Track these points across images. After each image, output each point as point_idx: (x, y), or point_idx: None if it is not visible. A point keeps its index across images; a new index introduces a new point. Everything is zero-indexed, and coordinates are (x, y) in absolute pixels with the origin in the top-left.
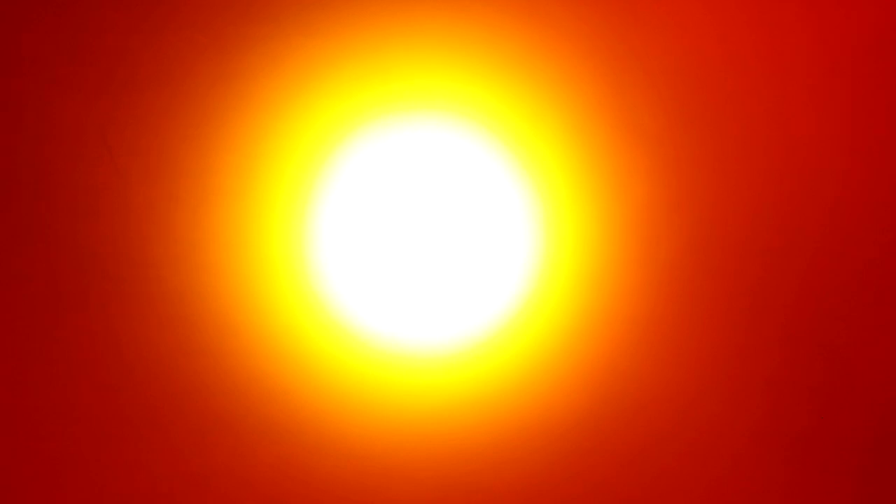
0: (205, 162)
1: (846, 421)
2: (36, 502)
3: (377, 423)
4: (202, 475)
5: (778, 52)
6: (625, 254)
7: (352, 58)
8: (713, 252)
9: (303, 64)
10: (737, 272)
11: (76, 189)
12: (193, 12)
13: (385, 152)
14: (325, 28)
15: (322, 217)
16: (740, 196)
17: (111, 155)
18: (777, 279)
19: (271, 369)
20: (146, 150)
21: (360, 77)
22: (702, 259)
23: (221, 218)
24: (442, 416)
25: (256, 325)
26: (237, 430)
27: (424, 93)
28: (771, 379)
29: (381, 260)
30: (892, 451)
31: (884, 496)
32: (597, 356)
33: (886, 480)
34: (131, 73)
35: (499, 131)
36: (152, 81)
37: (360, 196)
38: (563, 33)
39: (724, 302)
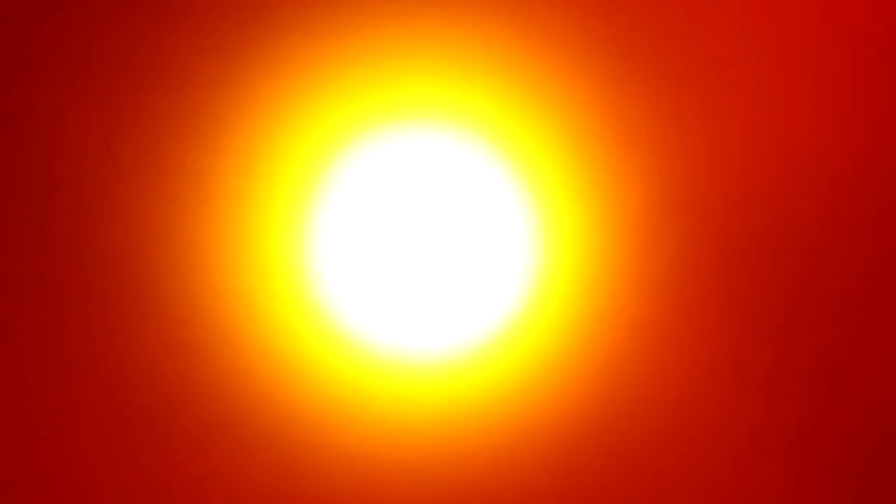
0: (205, 168)
1: (845, 421)
2: (35, 501)
3: (376, 429)
4: (199, 477)
5: (775, 57)
6: (622, 260)
7: (352, 66)
8: (710, 256)
9: (303, 72)
10: (734, 277)
11: (77, 190)
12: (198, 17)
13: (384, 160)
14: (327, 37)
15: (321, 224)
16: (737, 201)
17: (113, 157)
18: (774, 282)
19: (271, 376)
20: (148, 152)
21: (361, 85)
22: (699, 263)
23: (221, 225)
24: (440, 423)
25: (256, 331)
26: (235, 434)
27: (424, 101)
28: (769, 381)
29: (381, 267)
30: (891, 450)
31: (883, 496)
32: (595, 362)
33: (885, 480)
34: (134, 77)
35: (498, 140)
36: (155, 85)
37: (360, 203)
38: (561, 44)
39: (722, 306)
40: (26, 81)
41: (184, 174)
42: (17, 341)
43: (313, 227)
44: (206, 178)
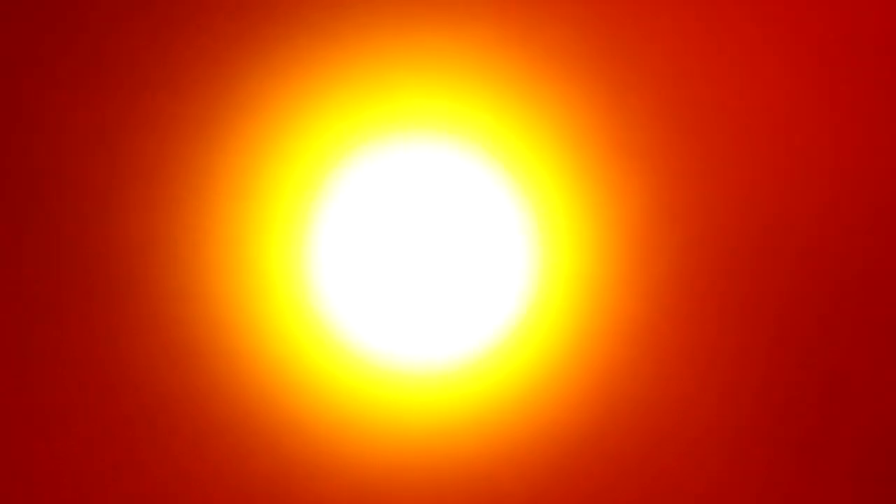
0: (207, 172)
1: (845, 422)
2: (35, 501)
3: (374, 437)
4: (197, 479)
5: (773, 62)
6: (620, 269)
7: (356, 75)
8: (709, 264)
9: (307, 81)
10: (732, 284)
11: (81, 192)
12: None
13: (385, 169)
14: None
15: (321, 232)
16: (735, 208)
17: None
18: (774, 284)
19: (270, 383)
20: (150, 156)
21: (364, 94)
22: (697, 272)
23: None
24: (438, 431)
25: (256, 340)
26: (233, 437)
27: (426, 111)
28: (769, 385)
29: (380, 276)
30: (890, 450)
31: (882, 496)
32: (593, 371)
33: (886, 480)
34: (138, 81)
35: (498, 150)
36: (158, 89)
37: (360, 212)
38: (559, 54)
39: (720, 314)
40: (31, 82)
41: (186, 179)
42: (18, 341)
43: (313, 235)
44: (208, 182)
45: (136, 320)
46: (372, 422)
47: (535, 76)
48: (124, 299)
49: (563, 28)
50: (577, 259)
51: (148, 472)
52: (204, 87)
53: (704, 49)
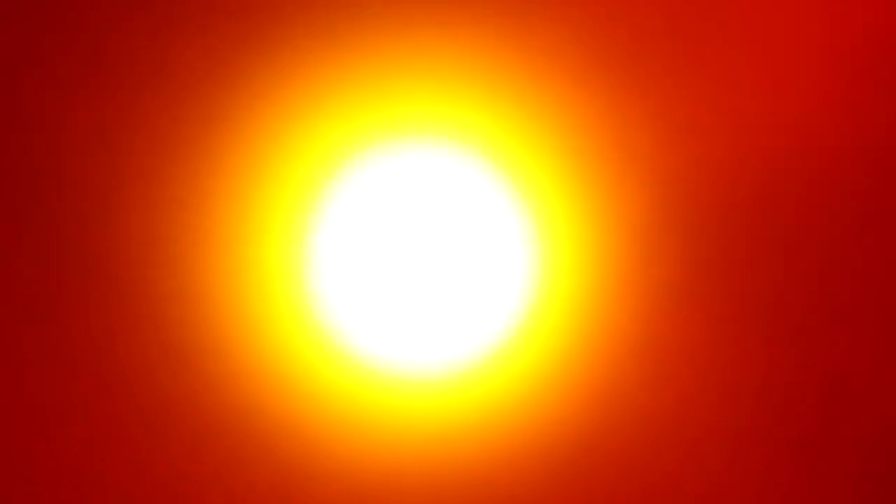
0: (207, 174)
1: (845, 422)
2: (35, 501)
3: (373, 442)
4: (195, 481)
5: (771, 62)
6: (620, 274)
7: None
8: (709, 267)
9: (307, 85)
10: (733, 283)
11: (80, 192)
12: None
13: (385, 174)
14: (329, 52)
15: (321, 236)
16: (734, 210)
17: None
18: (774, 287)
19: (269, 388)
20: (150, 156)
21: (365, 98)
22: (698, 276)
23: (222, 234)
24: (437, 436)
25: (255, 345)
26: (231, 440)
27: (426, 116)
28: (769, 387)
29: (380, 281)
30: (890, 450)
31: (882, 496)
32: (593, 376)
33: (886, 480)
34: (138, 82)
35: (498, 156)
36: (158, 89)
37: (360, 217)
38: (559, 58)
39: (721, 312)
40: (31, 82)
41: (186, 179)
42: (18, 341)
43: (314, 237)
44: (208, 183)
45: (135, 320)
46: (371, 425)
47: (536, 80)
48: (124, 299)
49: (563, 31)
50: (576, 263)
51: (147, 472)
52: (204, 87)
53: (704, 50)
